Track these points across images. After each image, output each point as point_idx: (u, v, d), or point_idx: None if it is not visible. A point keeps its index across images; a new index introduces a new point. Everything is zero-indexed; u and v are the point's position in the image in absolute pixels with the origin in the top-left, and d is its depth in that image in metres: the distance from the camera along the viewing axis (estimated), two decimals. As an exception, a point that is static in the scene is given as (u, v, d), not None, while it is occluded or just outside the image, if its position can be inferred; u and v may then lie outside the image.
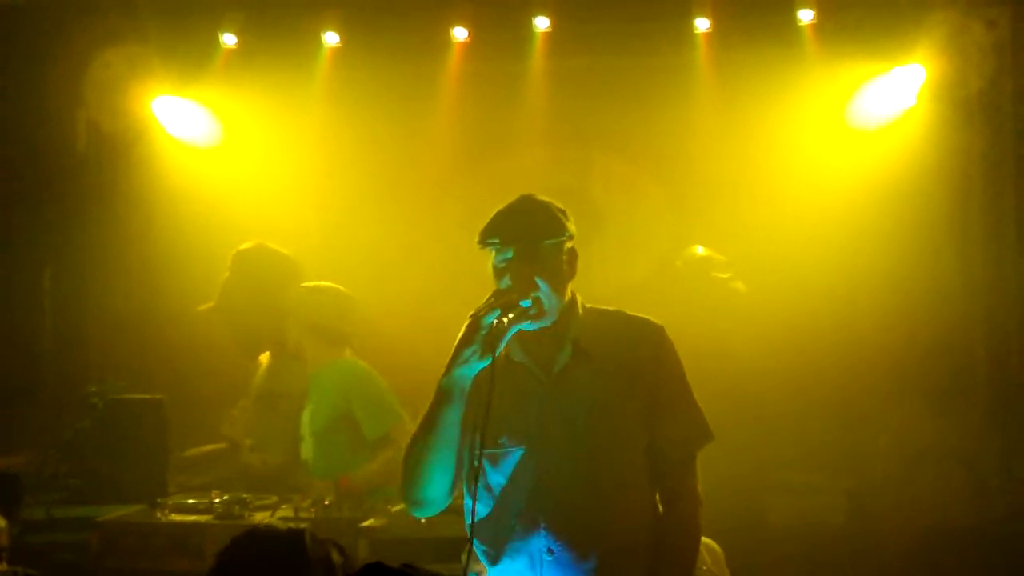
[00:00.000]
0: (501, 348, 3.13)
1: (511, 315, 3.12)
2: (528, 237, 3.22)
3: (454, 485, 3.27)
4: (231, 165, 6.53)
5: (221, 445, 5.46)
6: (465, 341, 3.11)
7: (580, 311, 3.34)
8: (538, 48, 6.17)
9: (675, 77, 6.20)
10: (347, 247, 6.09)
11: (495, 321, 3.09)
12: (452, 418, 3.15)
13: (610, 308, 3.43)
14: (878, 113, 6.10)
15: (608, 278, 5.63)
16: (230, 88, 6.38)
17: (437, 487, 3.23)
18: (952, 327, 5.95)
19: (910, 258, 5.91)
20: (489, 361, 3.11)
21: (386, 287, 6.18)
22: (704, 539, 4.35)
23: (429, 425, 3.18)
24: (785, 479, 5.84)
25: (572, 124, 6.45)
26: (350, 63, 6.25)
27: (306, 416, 5.01)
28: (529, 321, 3.19)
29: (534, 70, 6.27)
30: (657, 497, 3.35)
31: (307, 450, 5.00)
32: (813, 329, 5.89)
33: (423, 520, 4.27)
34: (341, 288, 5.09)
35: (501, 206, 3.35)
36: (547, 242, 3.23)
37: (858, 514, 5.77)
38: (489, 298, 3.17)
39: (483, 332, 3.09)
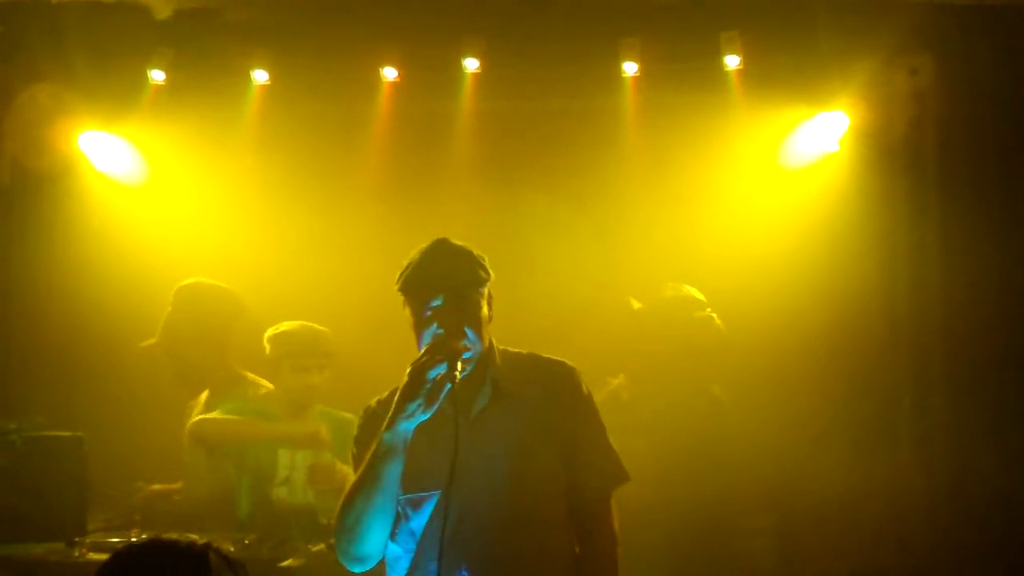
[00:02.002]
0: (441, 399, 3.12)
1: (457, 366, 3.12)
2: (455, 286, 3.23)
3: (389, 537, 3.26)
4: (159, 201, 6.47)
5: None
6: (409, 395, 3.11)
7: (496, 353, 3.36)
8: (468, 89, 6.19)
9: (604, 120, 6.25)
10: (275, 284, 6.04)
11: (444, 373, 3.08)
12: (393, 473, 3.16)
13: (523, 351, 3.46)
14: (803, 156, 6.19)
15: (536, 316, 5.67)
16: (158, 124, 6.32)
17: (376, 540, 3.24)
18: (878, 366, 6.01)
19: (838, 298, 5.96)
20: (431, 414, 3.11)
21: (321, 324, 6.16)
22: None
23: (371, 480, 3.17)
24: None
25: (501, 164, 6.48)
26: (280, 100, 6.23)
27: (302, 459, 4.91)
28: (465, 371, 3.20)
29: (463, 111, 6.28)
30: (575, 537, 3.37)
31: (300, 496, 4.91)
32: (743, 365, 5.93)
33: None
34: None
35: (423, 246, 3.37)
36: (473, 290, 3.24)
37: (788, 555, 5.79)
38: (427, 350, 3.16)
39: (427, 385, 3.10)
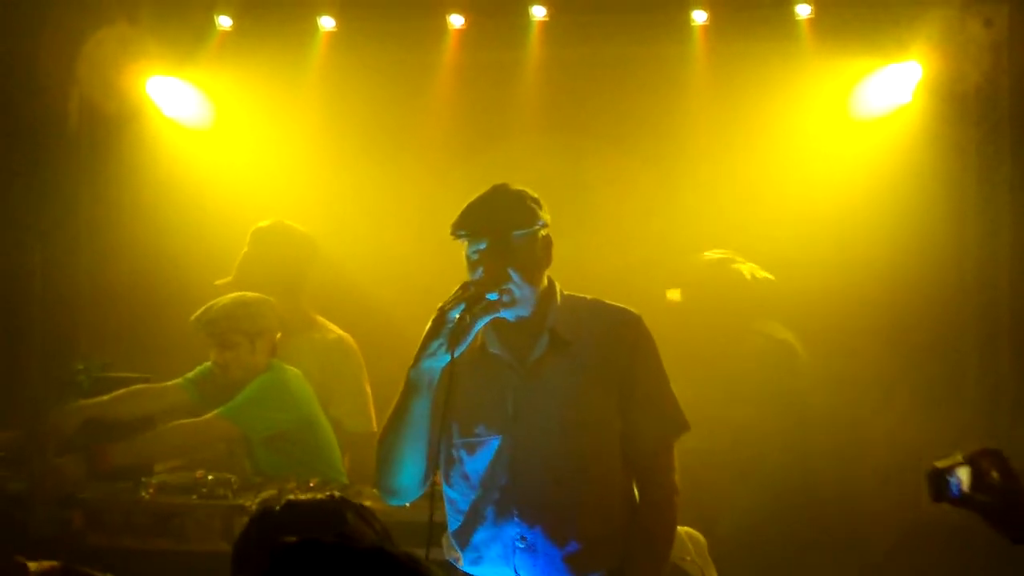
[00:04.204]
0: (469, 340, 3.15)
1: (477, 309, 3.12)
2: (499, 228, 3.23)
3: (428, 474, 3.30)
4: (224, 147, 6.51)
5: None
6: (432, 334, 3.14)
7: (558, 299, 3.34)
8: (534, 37, 6.14)
9: (671, 69, 6.18)
10: (342, 233, 6.07)
11: (460, 315, 3.08)
12: (421, 409, 3.17)
13: (588, 296, 3.44)
14: (874, 108, 6.09)
15: (599, 267, 5.65)
16: (225, 70, 6.36)
17: (409, 476, 3.26)
18: (945, 324, 5.94)
19: (905, 255, 5.89)
20: (459, 352, 3.13)
21: (383, 273, 6.18)
22: (687, 529, 4.36)
23: (398, 416, 3.22)
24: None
25: (568, 114, 6.44)
26: (345, 48, 6.22)
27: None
28: (499, 312, 3.20)
29: (530, 59, 6.24)
30: (634, 486, 3.36)
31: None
32: (807, 323, 5.88)
33: (407, 505, 4.25)
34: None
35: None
36: (518, 233, 3.22)
37: (846, 508, 5.75)
38: (457, 291, 3.18)
39: (449, 325, 3.10)
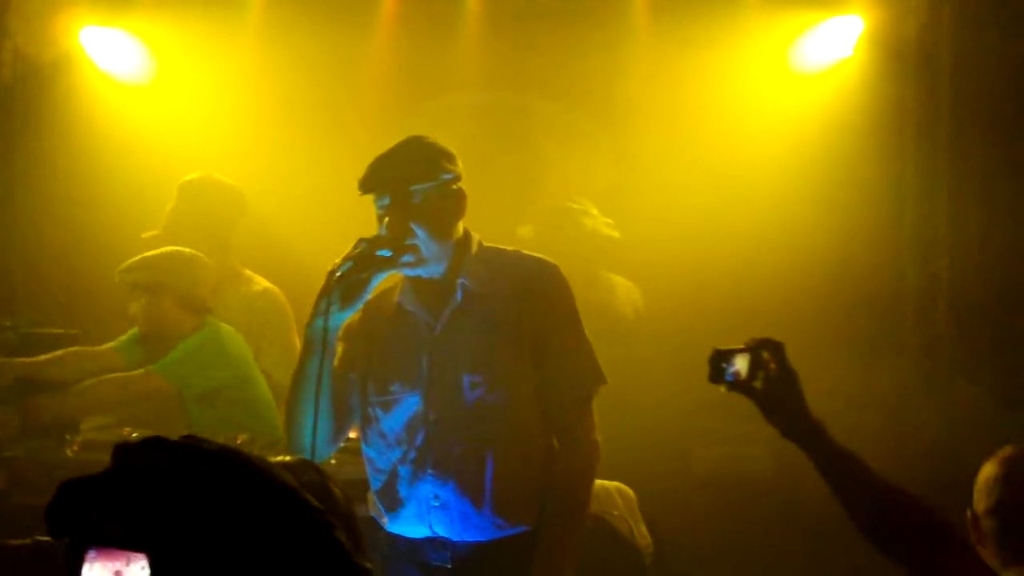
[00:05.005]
0: (364, 298, 3.13)
1: (370, 265, 3.09)
2: (399, 182, 3.17)
3: (337, 432, 3.27)
4: (160, 99, 6.39)
5: None
6: (323, 292, 3.09)
7: (474, 252, 3.29)
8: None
9: (614, 23, 6.14)
10: (274, 187, 5.99)
11: (346, 272, 3.07)
12: (314, 366, 3.12)
13: (509, 249, 3.39)
14: (815, 62, 6.07)
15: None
16: (161, 20, 6.24)
17: (311, 434, 3.21)
18: (882, 277, 5.96)
19: (844, 210, 5.89)
20: (353, 311, 3.13)
21: (313, 229, 6.11)
22: (616, 484, 4.35)
23: (298, 374, 3.20)
24: (711, 428, 5.83)
25: (509, 65, 6.38)
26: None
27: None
28: (397, 269, 3.17)
29: (470, 11, 6.19)
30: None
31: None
32: (745, 275, 5.88)
33: (332, 461, 4.22)
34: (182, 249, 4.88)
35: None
36: (420, 187, 3.17)
37: (785, 464, 5.77)
38: (352, 248, 3.15)
39: (338, 284, 3.07)
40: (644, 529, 4.31)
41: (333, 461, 4.20)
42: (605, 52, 6.17)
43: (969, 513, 3.46)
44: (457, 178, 3.26)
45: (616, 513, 4.23)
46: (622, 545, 4.04)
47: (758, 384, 2.38)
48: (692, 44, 5.99)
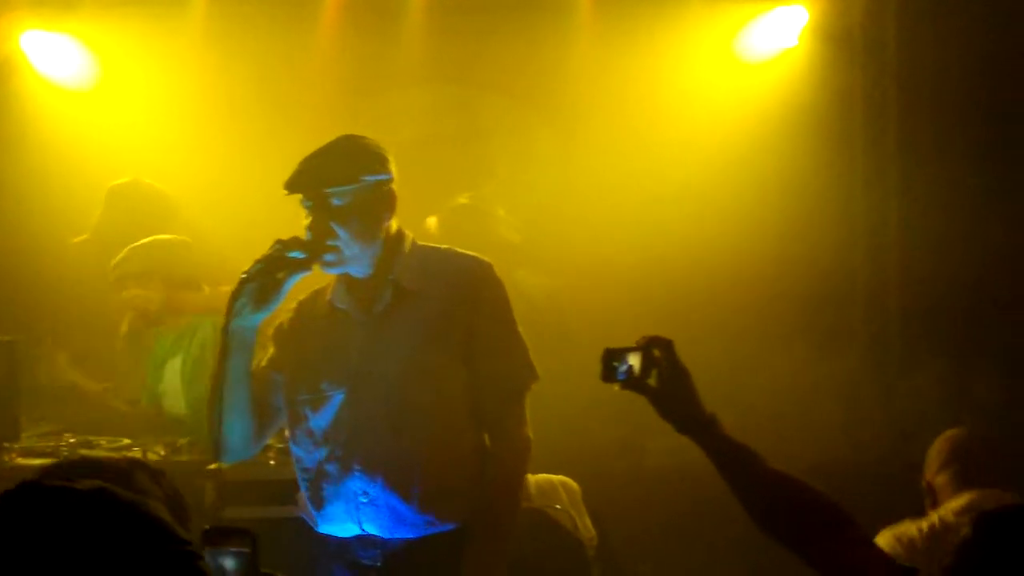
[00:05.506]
0: (279, 300, 3.12)
1: (282, 267, 3.08)
2: (320, 185, 3.15)
3: (260, 432, 3.25)
4: (103, 102, 6.31)
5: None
6: (235, 294, 3.08)
7: (407, 250, 3.27)
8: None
9: (558, 15, 6.10)
10: (223, 187, 5.92)
11: (253, 274, 3.07)
12: (238, 368, 3.11)
13: (443, 246, 3.39)
14: (760, 51, 6.05)
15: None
16: (103, 23, 6.16)
17: (236, 434, 3.22)
18: (833, 266, 5.93)
19: (793, 201, 5.87)
20: (269, 311, 3.13)
21: (271, 227, 6.04)
22: (561, 477, 4.33)
23: (216, 375, 3.18)
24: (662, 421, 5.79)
25: (455, 60, 6.33)
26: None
27: (174, 367, 4.84)
28: (310, 271, 3.17)
29: (416, 6, 6.15)
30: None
31: (178, 405, 4.85)
32: (696, 267, 5.84)
33: (271, 462, 4.20)
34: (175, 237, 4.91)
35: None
36: (338, 189, 3.14)
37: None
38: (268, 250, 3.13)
39: (251, 285, 3.04)
40: (588, 522, 4.29)
41: (272, 463, 4.20)
42: (551, 45, 6.12)
43: (924, 483, 3.59)
44: (385, 179, 3.23)
45: (559, 507, 4.21)
46: (564, 538, 4.02)
47: (652, 382, 2.37)
48: (638, 35, 5.97)
